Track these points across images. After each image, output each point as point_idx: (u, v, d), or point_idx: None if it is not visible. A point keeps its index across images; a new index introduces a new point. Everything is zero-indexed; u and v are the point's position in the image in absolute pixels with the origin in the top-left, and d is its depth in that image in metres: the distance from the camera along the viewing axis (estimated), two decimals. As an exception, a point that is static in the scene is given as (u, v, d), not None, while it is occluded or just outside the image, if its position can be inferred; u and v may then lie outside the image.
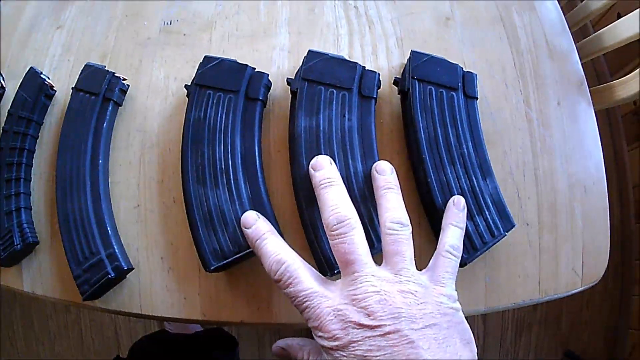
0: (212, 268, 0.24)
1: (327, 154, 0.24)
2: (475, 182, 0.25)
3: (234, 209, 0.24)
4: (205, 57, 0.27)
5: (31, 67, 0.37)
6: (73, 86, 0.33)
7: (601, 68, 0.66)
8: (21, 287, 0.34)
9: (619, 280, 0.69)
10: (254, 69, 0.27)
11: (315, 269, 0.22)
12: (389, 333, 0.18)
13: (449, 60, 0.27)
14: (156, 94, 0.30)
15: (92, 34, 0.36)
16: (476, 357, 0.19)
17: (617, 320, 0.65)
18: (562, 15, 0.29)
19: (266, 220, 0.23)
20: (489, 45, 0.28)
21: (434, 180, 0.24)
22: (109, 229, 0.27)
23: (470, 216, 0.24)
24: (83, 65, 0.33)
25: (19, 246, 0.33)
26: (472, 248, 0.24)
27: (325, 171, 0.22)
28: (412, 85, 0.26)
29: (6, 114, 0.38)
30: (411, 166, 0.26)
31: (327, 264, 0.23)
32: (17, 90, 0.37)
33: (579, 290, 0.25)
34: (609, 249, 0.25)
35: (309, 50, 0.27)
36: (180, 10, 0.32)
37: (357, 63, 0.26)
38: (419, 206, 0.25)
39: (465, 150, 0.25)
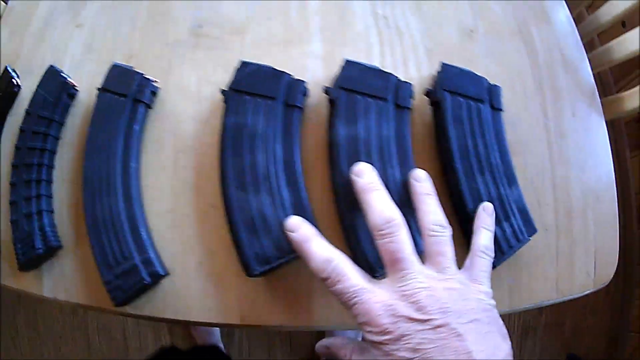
0: (255, 273, 0.22)
1: (366, 162, 0.23)
2: (502, 190, 0.25)
3: (277, 214, 0.23)
4: (242, 62, 0.26)
5: (51, 66, 0.34)
6: (99, 86, 0.30)
7: (606, 78, 0.67)
8: (40, 292, 0.31)
9: (620, 284, 0.69)
10: (291, 76, 0.25)
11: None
12: (438, 327, 0.18)
13: (476, 73, 0.26)
14: (188, 98, 0.28)
15: (116, 33, 0.33)
16: (512, 352, 0.19)
17: (618, 324, 0.67)
18: (575, 28, 0.29)
19: (310, 224, 0.23)
20: (510, 57, 0.28)
21: (465, 188, 0.24)
22: (143, 233, 0.25)
23: (497, 222, 0.24)
24: (109, 66, 0.31)
25: (40, 250, 0.30)
26: (500, 252, 0.24)
27: (368, 177, 0.22)
28: (443, 97, 0.25)
29: (24, 113, 0.34)
30: (443, 174, 0.25)
31: (368, 267, 0.22)
32: (36, 89, 0.33)
33: (591, 291, 0.25)
34: (618, 253, 0.25)
35: (346, 60, 0.25)
36: (209, 12, 0.30)
37: (391, 74, 0.25)
38: (450, 211, 0.25)
39: (493, 159, 0.25)
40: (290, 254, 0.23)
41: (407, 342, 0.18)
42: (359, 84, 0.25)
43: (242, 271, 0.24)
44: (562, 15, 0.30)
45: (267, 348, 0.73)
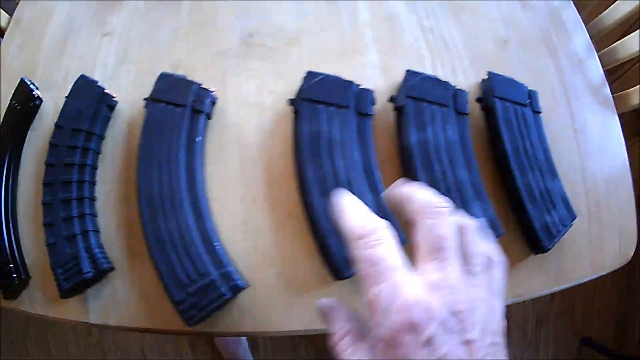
0: (347, 276, 0.23)
1: (437, 165, 0.25)
2: (548, 184, 0.28)
3: None
4: (309, 72, 0.26)
5: (82, 76, 0.31)
6: (147, 97, 0.28)
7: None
8: (85, 319, 0.29)
9: (625, 268, 0.76)
10: (359, 85, 0.26)
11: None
12: (469, 342, 0.14)
13: (516, 80, 0.29)
14: (249, 108, 0.28)
15: (154, 42, 0.32)
16: None
17: (625, 307, 0.70)
18: (588, 36, 0.33)
19: None
20: (538, 64, 0.32)
21: (521, 184, 0.26)
22: (218, 248, 0.25)
23: (547, 211, 0.27)
24: (153, 75, 0.29)
25: (89, 274, 0.28)
26: (551, 237, 0.26)
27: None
28: (495, 103, 0.27)
29: (52, 127, 0.32)
30: (498, 173, 0.27)
31: None
32: (66, 101, 0.31)
33: (616, 268, 0.29)
34: (636, 232, 0.29)
35: (407, 70, 0.27)
36: (258, 23, 0.30)
37: (448, 82, 0.27)
38: (506, 208, 0.27)
39: (539, 157, 0.28)
40: None
41: (432, 347, 0.13)
42: (423, 92, 0.26)
43: (329, 276, 0.25)
44: (572, 16, 0.34)
45: (292, 354, 0.71)
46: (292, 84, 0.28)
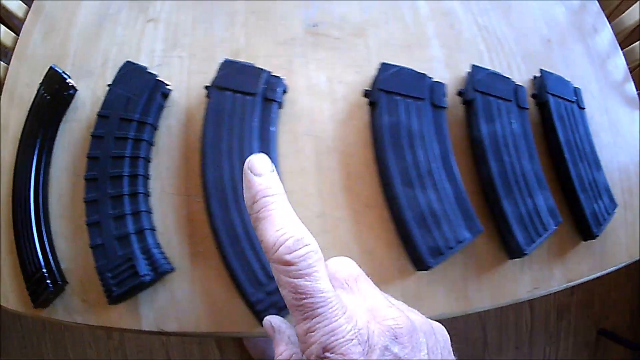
0: (430, 266, 0.23)
1: (506, 156, 0.26)
2: (594, 174, 0.29)
3: (442, 208, 0.24)
4: (383, 64, 0.27)
5: (128, 62, 0.29)
6: (209, 84, 0.27)
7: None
8: (137, 326, 0.27)
9: (638, 262, 0.79)
10: (431, 78, 0.26)
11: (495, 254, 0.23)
12: None
13: (564, 78, 0.30)
14: (321, 97, 0.27)
15: (207, 28, 0.30)
16: None
17: (639, 299, 0.73)
18: (614, 35, 0.35)
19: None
20: (577, 62, 0.34)
21: (574, 175, 0.28)
22: None
23: (595, 200, 0.28)
24: (210, 62, 0.28)
25: (147, 277, 0.25)
26: (599, 224, 0.28)
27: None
28: (549, 99, 0.28)
29: (92, 117, 0.29)
30: (552, 164, 0.29)
31: (518, 250, 0.24)
32: (110, 89, 0.28)
33: None
34: None
35: (473, 65, 0.28)
36: (321, 12, 0.30)
37: (509, 78, 0.28)
38: (558, 197, 0.28)
39: (586, 150, 0.29)
40: (459, 243, 0.24)
41: None
42: (489, 87, 0.27)
43: (408, 267, 0.24)
44: (598, 14, 0.36)
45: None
46: (362, 75, 0.28)
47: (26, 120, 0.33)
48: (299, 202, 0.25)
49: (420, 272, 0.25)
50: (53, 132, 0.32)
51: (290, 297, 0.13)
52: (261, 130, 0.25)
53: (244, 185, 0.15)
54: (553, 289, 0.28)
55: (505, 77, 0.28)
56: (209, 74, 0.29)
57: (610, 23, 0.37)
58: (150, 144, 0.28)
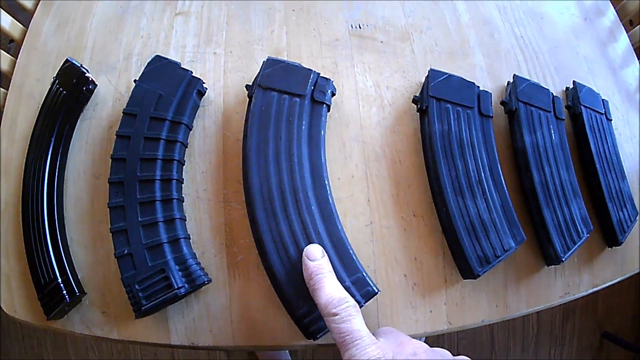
0: (479, 274, 0.22)
1: (546, 166, 0.26)
2: (620, 184, 0.29)
3: (492, 217, 0.23)
4: (432, 70, 0.25)
5: (158, 56, 0.26)
6: (251, 83, 0.24)
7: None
8: (166, 340, 0.25)
9: None
10: (479, 87, 0.24)
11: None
12: None
13: (594, 90, 0.30)
14: (369, 102, 0.25)
15: (244, 26, 0.28)
16: None
17: None
18: (630, 43, 0.36)
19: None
20: (602, 74, 0.33)
21: (604, 185, 0.27)
22: (351, 251, 0.21)
23: (620, 208, 0.28)
24: (253, 61, 0.25)
25: (182, 290, 0.23)
26: (624, 232, 0.28)
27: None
28: (582, 111, 0.28)
29: (114, 114, 0.25)
30: (584, 176, 0.28)
31: (555, 256, 0.25)
32: (138, 85, 0.25)
33: None
34: None
35: (516, 75, 0.27)
36: (364, 14, 0.29)
37: (548, 89, 0.27)
38: (589, 210, 0.28)
39: (613, 160, 0.29)
40: (505, 252, 0.23)
41: None
42: (530, 97, 0.26)
43: (454, 276, 0.23)
44: (616, 25, 0.36)
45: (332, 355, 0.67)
46: (409, 80, 0.26)
47: (38, 117, 0.29)
48: (347, 211, 0.24)
49: (465, 280, 0.24)
50: (69, 130, 0.28)
51: (338, 338, 0.19)
52: (310, 134, 0.23)
53: (303, 267, 0.21)
54: (581, 294, 0.28)
55: (544, 88, 0.27)
56: (247, 72, 0.26)
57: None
58: (185, 145, 0.24)
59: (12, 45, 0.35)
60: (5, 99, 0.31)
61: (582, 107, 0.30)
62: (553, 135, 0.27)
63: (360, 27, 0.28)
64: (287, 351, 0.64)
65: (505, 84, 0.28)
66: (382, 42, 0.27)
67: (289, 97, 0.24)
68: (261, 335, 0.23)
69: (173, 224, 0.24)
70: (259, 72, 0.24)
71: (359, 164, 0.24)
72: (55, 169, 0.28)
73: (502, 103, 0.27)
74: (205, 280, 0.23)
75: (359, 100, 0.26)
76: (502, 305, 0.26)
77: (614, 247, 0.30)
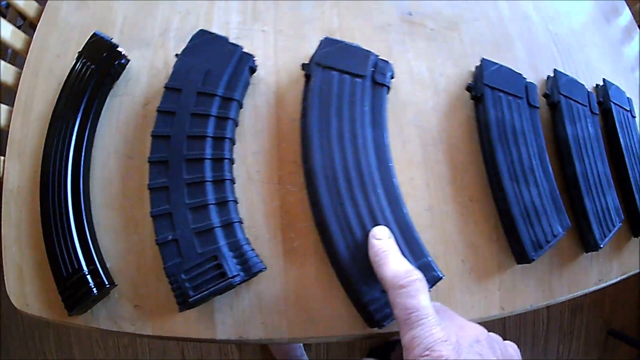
0: (533, 259, 0.23)
1: (586, 157, 0.29)
2: None
3: (541, 203, 0.25)
4: (484, 59, 0.27)
5: (202, 31, 0.26)
6: (308, 62, 0.24)
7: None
8: (210, 335, 0.24)
9: None
10: (525, 78, 0.26)
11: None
12: None
13: (620, 88, 0.33)
14: (423, 88, 0.27)
15: (293, 4, 0.30)
16: None
17: None
18: None
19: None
20: (624, 72, 0.36)
21: (632, 178, 0.30)
22: (417, 236, 0.22)
23: None
24: (305, 41, 0.25)
25: (237, 279, 0.23)
26: None
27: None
28: (612, 107, 0.30)
29: (149, 90, 0.25)
30: (614, 170, 0.30)
31: (594, 242, 0.27)
32: (181, 59, 0.24)
33: None
34: None
35: (556, 69, 0.29)
36: (415, 3, 0.31)
37: (584, 85, 0.29)
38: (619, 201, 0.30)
39: (637, 154, 0.32)
40: (554, 237, 0.24)
41: None
42: (570, 92, 0.29)
43: (507, 261, 0.24)
44: (632, 24, 0.40)
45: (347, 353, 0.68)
46: (460, 69, 0.28)
47: (60, 95, 0.27)
48: (407, 194, 0.25)
49: (516, 265, 0.25)
50: (98, 107, 0.26)
51: (402, 314, 0.18)
52: (372, 115, 0.23)
53: (368, 247, 0.21)
54: (612, 281, 0.30)
55: (580, 83, 0.30)
56: (299, 52, 0.26)
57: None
58: (236, 123, 0.24)
59: (22, 24, 0.33)
60: (19, 78, 0.28)
61: (612, 103, 0.33)
62: (590, 128, 0.29)
63: (411, 14, 0.30)
64: (302, 347, 0.64)
65: (545, 78, 0.31)
66: (432, 29, 0.30)
67: (349, 77, 0.24)
68: (317, 326, 0.23)
69: (226, 207, 0.23)
70: (316, 51, 0.25)
71: (417, 148, 0.26)
72: (82, 149, 0.26)
73: (545, 95, 0.30)
74: (262, 267, 0.23)
75: (415, 85, 0.28)
76: (548, 290, 0.28)
77: (639, 237, 0.33)
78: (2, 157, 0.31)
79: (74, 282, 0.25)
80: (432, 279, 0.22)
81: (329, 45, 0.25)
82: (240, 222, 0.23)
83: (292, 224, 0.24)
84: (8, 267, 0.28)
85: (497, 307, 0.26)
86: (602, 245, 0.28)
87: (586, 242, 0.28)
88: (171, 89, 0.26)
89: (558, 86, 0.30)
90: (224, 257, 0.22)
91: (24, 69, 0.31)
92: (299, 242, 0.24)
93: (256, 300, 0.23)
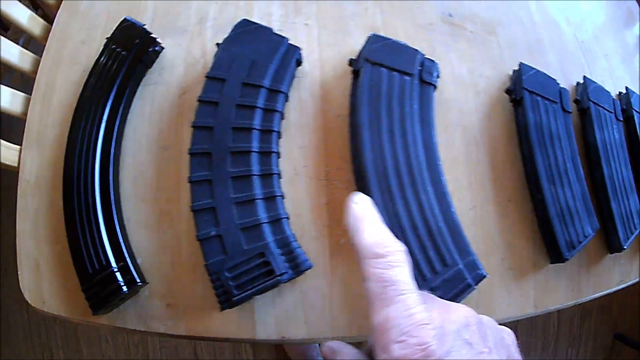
0: (568, 259, 0.24)
1: (612, 161, 0.31)
2: None
3: (575, 205, 0.26)
4: (522, 64, 0.28)
5: (245, 20, 0.25)
6: (353, 58, 0.25)
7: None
8: (250, 335, 0.24)
9: None
10: (559, 84, 0.27)
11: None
12: None
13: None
14: (465, 88, 0.28)
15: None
16: None
17: None
18: None
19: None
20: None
21: None
22: (464, 234, 0.22)
23: None
24: (348, 35, 0.26)
25: (285, 276, 0.22)
26: None
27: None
28: (633, 115, 0.32)
29: (192, 80, 0.24)
30: (635, 175, 0.32)
31: (618, 244, 0.28)
32: (223, 48, 0.24)
33: None
34: None
35: (585, 77, 0.31)
36: (454, 4, 0.33)
37: (609, 92, 0.31)
38: None
39: None
40: (585, 238, 0.25)
41: None
42: (598, 98, 0.30)
43: (542, 260, 0.25)
44: None
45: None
46: (498, 71, 0.29)
47: (87, 82, 0.26)
48: (452, 193, 0.26)
49: (549, 265, 0.26)
50: (130, 95, 0.25)
51: (375, 287, 0.15)
52: (421, 113, 0.23)
53: (345, 212, 0.18)
54: (631, 282, 0.32)
55: (606, 90, 0.32)
56: (343, 47, 0.27)
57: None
58: (282, 117, 0.23)
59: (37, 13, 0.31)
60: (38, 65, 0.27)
61: (634, 111, 0.34)
62: (615, 134, 0.31)
63: (451, 15, 0.31)
64: (318, 347, 0.63)
65: (574, 84, 0.32)
66: (471, 32, 0.31)
67: (398, 75, 0.24)
68: (363, 325, 0.23)
69: (274, 202, 0.23)
70: (364, 47, 0.25)
71: (460, 147, 0.27)
72: (112, 139, 0.25)
73: (576, 101, 0.31)
74: (309, 265, 0.23)
75: (457, 86, 0.29)
76: (577, 290, 0.29)
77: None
78: (18, 147, 0.29)
79: (101, 279, 0.24)
80: (477, 277, 0.23)
81: (376, 41, 0.26)
82: (288, 217, 0.23)
83: (339, 221, 0.24)
84: (23, 262, 0.26)
85: (532, 306, 0.27)
86: (625, 247, 0.29)
87: (611, 243, 0.30)
88: (214, 78, 0.25)
89: (587, 93, 0.32)
90: (272, 254, 0.22)
91: (43, 55, 0.30)
92: (346, 240, 0.24)
93: (300, 298, 0.23)
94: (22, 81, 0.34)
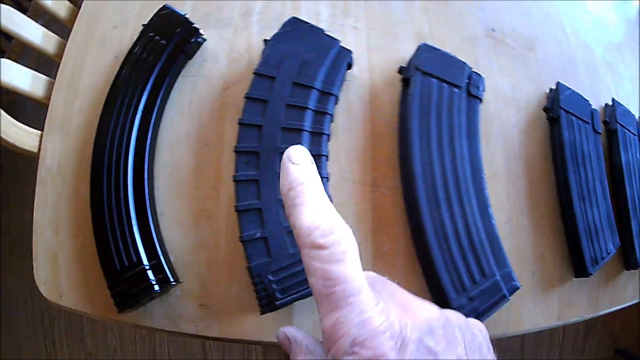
0: (592, 273, 0.25)
1: (634, 182, 0.32)
2: None
3: (600, 223, 0.28)
4: (559, 83, 0.28)
5: (294, 18, 0.26)
6: (403, 65, 0.25)
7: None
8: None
9: None
10: (591, 105, 0.29)
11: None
12: None
13: None
14: (506, 103, 0.29)
15: (384, 4, 0.28)
16: None
17: None
18: None
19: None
20: None
21: None
22: (502, 246, 0.23)
23: None
24: (398, 41, 0.26)
25: None
26: None
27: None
28: None
29: (235, 75, 0.24)
30: None
31: (635, 261, 0.30)
32: (273, 46, 0.24)
33: None
34: None
35: (614, 99, 0.33)
36: (494, 17, 0.34)
37: (634, 115, 0.32)
38: None
39: None
40: (608, 254, 0.26)
41: None
42: (624, 120, 0.32)
43: (568, 273, 0.26)
44: None
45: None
46: (536, 88, 0.30)
47: (121, 69, 0.24)
48: (492, 206, 0.25)
49: (573, 279, 0.27)
50: (168, 87, 0.24)
51: (319, 285, 0.13)
52: (468, 126, 0.24)
53: (281, 173, 0.15)
54: None
55: (632, 113, 0.33)
56: (392, 52, 0.27)
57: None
58: (332, 119, 0.23)
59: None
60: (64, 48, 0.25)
61: None
62: (637, 155, 0.33)
63: (494, 30, 0.31)
64: None
65: (603, 105, 0.33)
66: (512, 47, 0.32)
67: (448, 86, 0.25)
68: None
69: (320, 205, 0.22)
70: (414, 56, 0.25)
71: (501, 161, 0.28)
72: (148, 130, 0.24)
73: (604, 122, 0.32)
74: None
75: (498, 100, 0.30)
76: (595, 304, 0.31)
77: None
78: (39, 132, 0.27)
79: (130, 276, 0.23)
80: (511, 289, 0.25)
81: (427, 51, 0.27)
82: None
83: (384, 227, 0.25)
84: (39, 253, 0.25)
85: (555, 318, 0.28)
86: (640, 265, 0.33)
87: (628, 260, 0.32)
88: (263, 75, 0.24)
89: (616, 115, 0.34)
90: (316, 257, 0.22)
91: (69, 38, 0.29)
92: (389, 247, 0.25)
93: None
94: (38, 64, 0.32)
